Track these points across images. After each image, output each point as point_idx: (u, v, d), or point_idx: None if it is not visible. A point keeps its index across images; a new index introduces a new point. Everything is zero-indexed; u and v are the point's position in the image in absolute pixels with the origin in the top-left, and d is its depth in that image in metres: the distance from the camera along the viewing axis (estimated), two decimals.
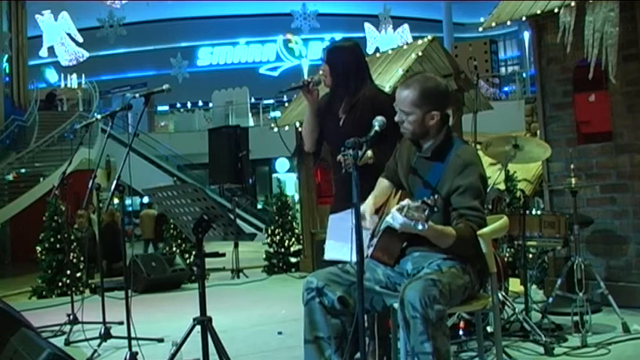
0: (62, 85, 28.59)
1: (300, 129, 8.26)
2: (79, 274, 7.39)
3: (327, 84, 3.36)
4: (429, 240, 2.57)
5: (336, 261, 3.14)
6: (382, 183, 2.96)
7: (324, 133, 3.42)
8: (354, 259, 2.99)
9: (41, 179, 16.63)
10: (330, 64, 3.33)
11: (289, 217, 8.91)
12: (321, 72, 3.36)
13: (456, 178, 2.62)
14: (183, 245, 8.31)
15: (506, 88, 24.28)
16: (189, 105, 30.78)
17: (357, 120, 3.23)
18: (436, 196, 2.40)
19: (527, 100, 16.16)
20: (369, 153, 3.13)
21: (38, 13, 28.70)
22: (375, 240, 2.74)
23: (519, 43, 29.74)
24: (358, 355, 2.83)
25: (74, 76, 28.37)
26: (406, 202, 2.37)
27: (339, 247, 3.33)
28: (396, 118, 2.75)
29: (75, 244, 7.78)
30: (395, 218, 2.37)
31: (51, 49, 30.34)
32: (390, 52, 7.65)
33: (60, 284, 7.29)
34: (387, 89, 6.89)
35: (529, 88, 20.09)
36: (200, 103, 30.25)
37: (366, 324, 3.11)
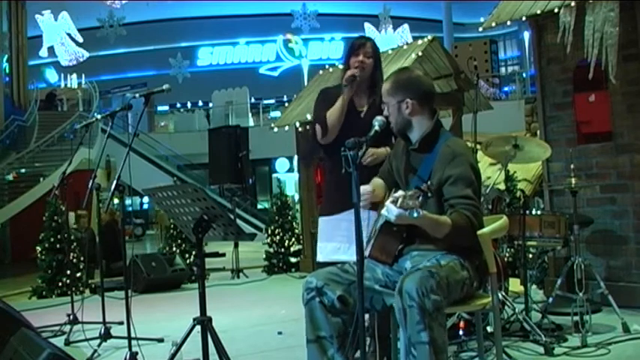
0: (62, 85, 28.58)
1: (300, 129, 8.28)
2: (79, 274, 7.39)
3: (362, 75, 3.39)
4: (427, 236, 2.59)
5: (330, 262, 3.17)
6: (377, 180, 3.00)
7: (343, 125, 3.41)
8: (350, 257, 3.03)
9: (41, 179, 16.61)
10: (375, 60, 3.41)
11: (289, 217, 8.91)
12: (363, 65, 3.37)
13: (447, 168, 2.65)
14: (183, 245, 8.30)
15: (506, 88, 24.28)
16: (189, 105, 30.80)
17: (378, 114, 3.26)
18: (429, 182, 2.44)
19: (527, 100, 16.17)
20: (388, 149, 3.21)
21: (38, 13, 28.73)
22: (372, 241, 2.75)
23: (519, 43, 29.75)
24: (357, 354, 2.85)
25: (74, 76, 28.38)
26: (399, 193, 2.41)
27: (333, 248, 3.36)
28: (385, 112, 2.83)
29: (75, 244, 7.78)
30: (390, 210, 2.41)
31: (51, 49, 30.38)
32: (390, 52, 7.65)
33: (60, 284, 7.29)
34: None
35: (529, 88, 20.09)
36: (200, 103, 30.27)
37: (367, 323, 3.13)
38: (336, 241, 3.40)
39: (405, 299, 2.40)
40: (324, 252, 3.45)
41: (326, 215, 3.50)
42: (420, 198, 2.34)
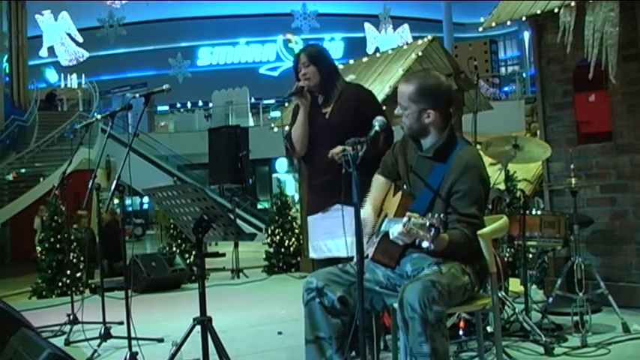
0: (62, 85, 28.60)
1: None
2: (79, 274, 7.39)
3: (311, 84, 3.45)
4: None
5: (327, 259, 3.21)
6: (378, 180, 2.95)
7: (310, 131, 3.46)
8: (343, 253, 3.05)
9: (41, 179, 16.62)
10: (316, 64, 3.45)
11: (289, 217, 8.91)
12: (305, 76, 3.44)
13: (457, 182, 2.63)
14: (183, 245, 8.30)
15: (506, 88, 24.28)
16: (189, 105, 30.79)
17: (343, 113, 3.39)
18: (442, 216, 2.36)
19: (527, 100, 16.17)
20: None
21: (38, 13, 28.74)
22: (375, 240, 2.74)
23: (519, 43, 29.76)
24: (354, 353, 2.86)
25: (74, 76, 28.39)
26: (407, 217, 2.35)
27: (322, 245, 3.39)
28: (396, 112, 2.77)
29: (75, 244, 7.77)
30: (401, 234, 2.38)
31: (51, 49, 30.39)
32: (390, 52, 7.65)
33: (60, 284, 7.28)
34: (387, 89, 6.90)
35: (529, 88, 20.09)
36: (200, 103, 30.27)
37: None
38: (317, 239, 3.47)
39: (406, 310, 2.39)
40: (312, 250, 3.54)
41: (308, 215, 3.59)
42: (432, 232, 2.30)
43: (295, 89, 3.41)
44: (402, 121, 2.76)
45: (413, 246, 2.68)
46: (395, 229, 2.41)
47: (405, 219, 2.34)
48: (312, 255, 3.52)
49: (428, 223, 2.30)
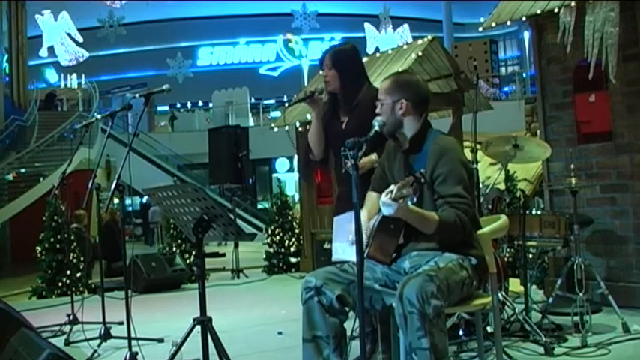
0: (62, 85, 28.60)
1: (299, 129, 8.28)
2: (79, 274, 7.39)
3: (330, 89, 3.43)
4: (425, 235, 2.61)
5: (343, 261, 3.21)
6: (371, 197, 2.96)
7: (327, 137, 3.44)
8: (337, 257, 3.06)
9: (41, 179, 16.59)
10: (338, 69, 3.40)
11: (289, 217, 8.91)
12: (326, 78, 3.41)
13: (436, 167, 2.68)
14: (183, 245, 8.30)
15: (506, 88, 24.29)
16: (189, 105, 30.80)
17: (360, 121, 3.29)
18: (423, 171, 2.46)
19: (527, 100, 16.17)
20: (374, 157, 3.17)
21: (38, 13, 28.75)
22: (370, 240, 2.74)
23: (519, 43, 29.77)
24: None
25: (74, 76, 28.40)
26: (391, 187, 2.44)
27: (345, 247, 3.38)
28: (377, 110, 2.83)
29: (75, 244, 7.77)
30: (386, 204, 2.44)
31: (51, 49, 30.40)
32: (390, 52, 7.65)
33: (60, 284, 7.28)
34: None
35: (529, 88, 20.10)
36: (200, 103, 30.27)
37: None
38: (339, 240, 3.47)
39: (405, 305, 2.41)
40: (335, 252, 3.53)
41: (335, 214, 3.58)
42: (414, 185, 2.38)
43: (305, 95, 3.38)
44: (382, 118, 2.80)
45: (409, 241, 2.69)
46: (382, 198, 2.47)
47: (389, 189, 2.44)
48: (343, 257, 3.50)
49: (407, 180, 2.40)
